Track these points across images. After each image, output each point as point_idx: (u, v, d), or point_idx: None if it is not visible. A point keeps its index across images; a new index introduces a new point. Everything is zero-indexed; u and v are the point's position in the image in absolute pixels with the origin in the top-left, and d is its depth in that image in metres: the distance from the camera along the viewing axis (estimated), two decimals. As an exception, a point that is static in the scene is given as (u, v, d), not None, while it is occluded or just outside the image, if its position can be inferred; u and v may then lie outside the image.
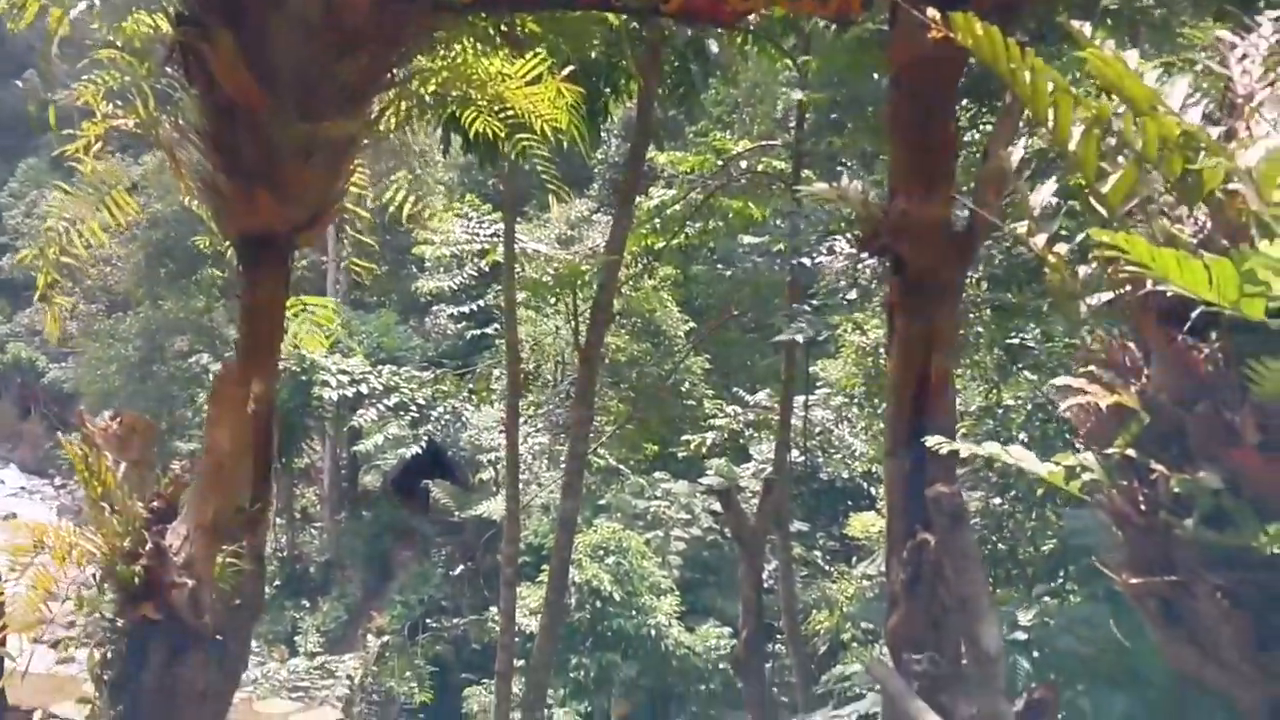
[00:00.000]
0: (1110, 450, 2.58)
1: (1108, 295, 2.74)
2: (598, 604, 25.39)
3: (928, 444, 3.20)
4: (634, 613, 25.78)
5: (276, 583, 34.80)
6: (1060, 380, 3.05)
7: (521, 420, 19.57)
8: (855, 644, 15.33)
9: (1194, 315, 2.41)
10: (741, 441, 23.57)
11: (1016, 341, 12.62)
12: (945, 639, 4.42)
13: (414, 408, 22.70)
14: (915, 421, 4.27)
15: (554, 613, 12.05)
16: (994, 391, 13.13)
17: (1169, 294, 2.30)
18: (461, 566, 29.60)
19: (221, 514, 3.97)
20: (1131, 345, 2.77)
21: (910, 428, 4.40)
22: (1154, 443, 2.55)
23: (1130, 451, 2.57)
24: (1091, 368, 2.76)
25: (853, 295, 11.14)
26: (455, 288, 24.00)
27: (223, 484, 4.02)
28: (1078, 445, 2.96)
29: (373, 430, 23.50)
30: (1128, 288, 2.64)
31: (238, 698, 6.28)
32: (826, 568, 19.31)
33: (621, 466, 26.67)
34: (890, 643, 4.65)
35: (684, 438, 24.71)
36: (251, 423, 4.24)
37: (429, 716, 26.76)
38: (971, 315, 11.47)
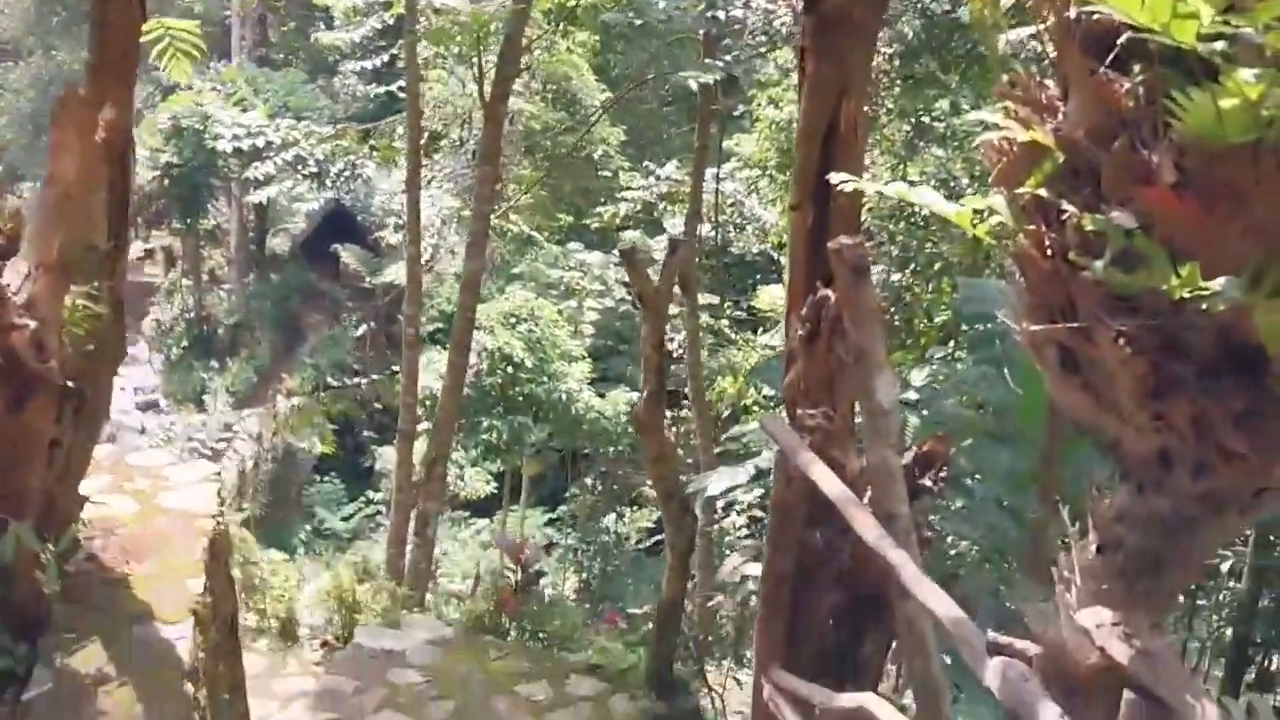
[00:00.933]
0: (1021, 190, 2.38)
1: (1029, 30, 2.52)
2: (509, 370, 25.64)
3: (833, 181, 2.99)
4: (545, 379, 26.11)
5: (184, 344, 34.73)
6: (973, 115, 2.83)
7: (427, 182, 18.96)
8: (756, 407, 15.68)
9: (1119, 44, 2.18)
10: (655, 215, 23.40)
11: (925, 117, 12.44)
12: (839, 395, 4.36)
13: (312, 161, 21.85)
14: (822, 171, 4.05)
15: (455, 374, 11.97)
16: (901, 166, 13.02)
17: (1095, 18, 2.09)
18: (369, 329, 29.51)
19: (69, 251, 3.64)
20: (1049, 83, 2.54)
21: (817, 179, 4.20)
22: (1066, 182, 2.35)
23: (1042, 192, 2.37)
24: (1007, 104, 2.52)
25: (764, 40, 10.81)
26: (359, 41, 22.78)
27: (69, 218, 3.67)
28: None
29: (270, 183, 22.65)
30: (1049, 15, 2.39)
31: (109, 452, 6.08)
32: (733, 337, 19.59)
33: (535, 234, 26.34)
34: (787, 398, 4.57)
35: (597, 209, 24.40)
36: (103, 153, 3.87)
37: (337, 472, 27.14)
38: (882, 90, 11.24)
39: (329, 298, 35.30)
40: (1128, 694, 2.19)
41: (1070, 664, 2.21)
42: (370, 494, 26.41)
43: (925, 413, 6.62)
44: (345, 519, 27.01)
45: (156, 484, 5.63)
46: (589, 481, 29.08)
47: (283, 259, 36.44)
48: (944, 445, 3.97)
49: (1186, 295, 2.01)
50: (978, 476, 6.24)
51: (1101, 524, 2.32)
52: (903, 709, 3.64)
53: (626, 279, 24.08)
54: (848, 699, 3.58)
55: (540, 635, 8.49)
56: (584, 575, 26.64)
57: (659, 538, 26.33)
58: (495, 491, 27.06)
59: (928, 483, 3.93)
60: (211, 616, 4.68)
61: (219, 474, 5.87)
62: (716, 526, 11.75)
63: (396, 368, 17.83)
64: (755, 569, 6.94)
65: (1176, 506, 2.20)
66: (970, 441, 7.03)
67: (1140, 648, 2.06)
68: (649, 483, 12.20)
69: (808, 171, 4.36)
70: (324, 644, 8.69)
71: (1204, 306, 1.95)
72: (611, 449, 26.35)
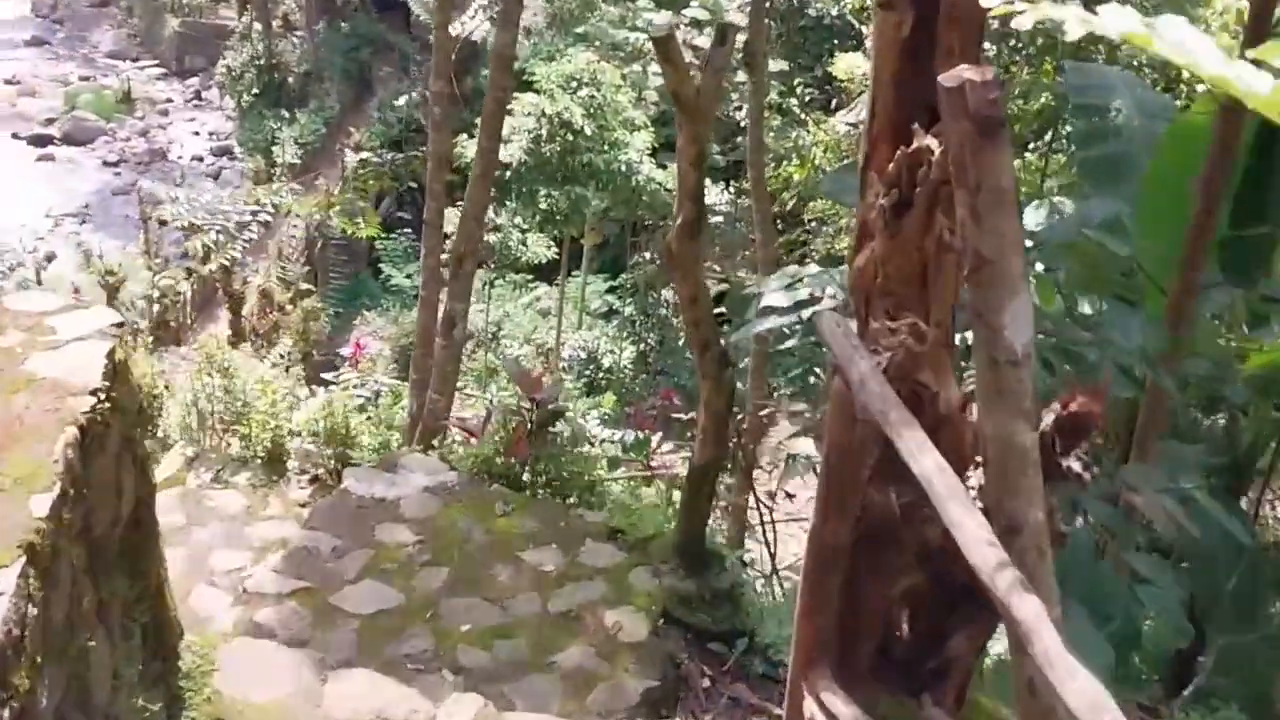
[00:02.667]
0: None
1: None
2: (568, 137, 24.08)
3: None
4: (606, 147, 24.57)
5: (255, 91, 33.66)
6: None
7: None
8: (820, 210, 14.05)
9: None
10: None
11: None
12: (935, 296, 2.87)
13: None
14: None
15: (485, 161, 10.52)
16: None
17: None
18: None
19: None
20: None
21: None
22: None
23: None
24: None
25: None
26: None
27: None
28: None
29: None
30: None
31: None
32: (803, 116, 17.66)
33: (601, -10, 24.32)
34: (856, 291, 3.09)
35: (666, -39, 22.15)
36: None
37: (410, 227, 26.50)
38: None
39: (398, 51, 33.95)
40: None
41: None
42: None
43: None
44: (408, 276, 26.75)
45: (32, 339, 4.37)
46: (648, 255, 28.00)
47: (352, 7, 35.18)
48: (1098, 401, 2.50)
49: None
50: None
51: None
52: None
53: (697, 41, 22.01)
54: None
55: (556, 485, 7.35)
56: (641, 347, 25.89)
57: (720, 311, 25.20)
58: (556, 257, 26.19)
59: (1075, 465, 2.49)
60: (55, 553, 3.49)
61: (121, 325, 4.57)
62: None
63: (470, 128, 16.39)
64: (808, 446, 5.64)
65: None
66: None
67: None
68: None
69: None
70: (313, 480, 7.67)
71: None
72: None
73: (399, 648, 5.88)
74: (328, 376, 17.80)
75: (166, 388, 8.12)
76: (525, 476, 7.38)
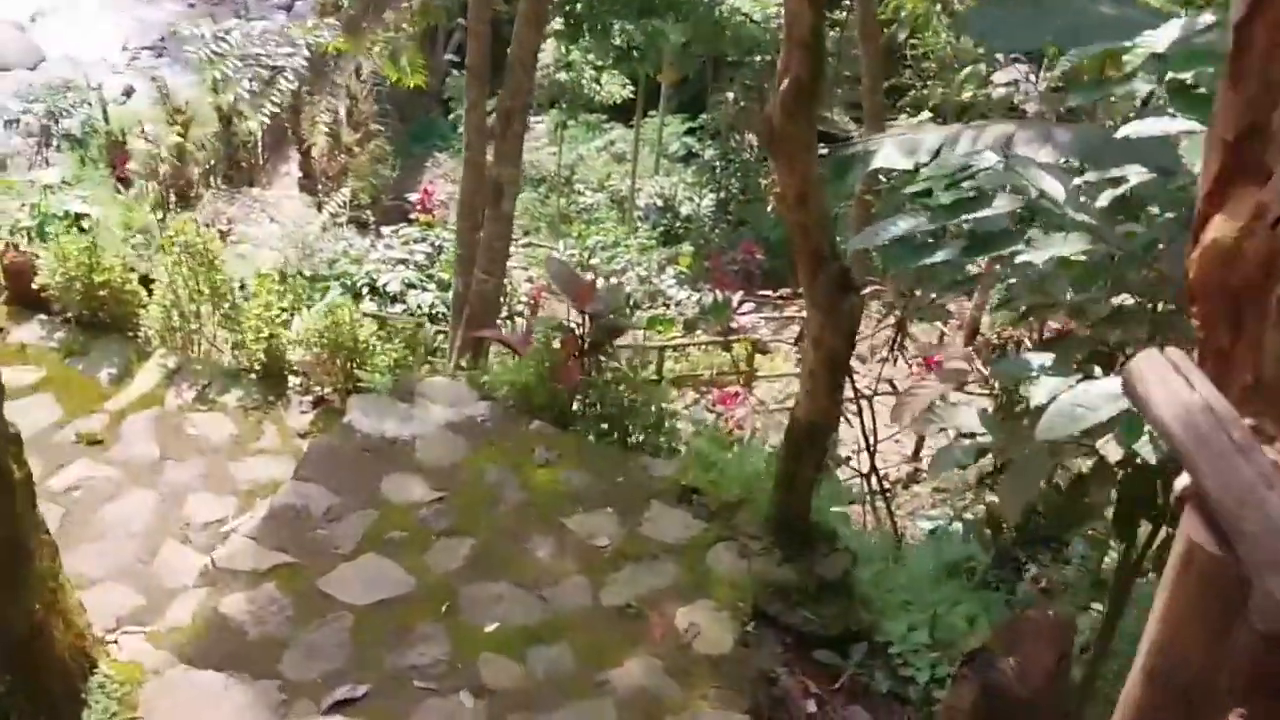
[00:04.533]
0: None
1: None
2: (645, -42, 21.81)
3: None
4: (683, -32, 22.34)
5: None
6: None
7: None
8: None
9: None
10: None
11: None
12: None
13: None
14: None
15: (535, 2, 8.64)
16: None
17: None
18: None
19: None
20: None
21: None
22: None
23: None
24: None
25: None
26: None
27: None
28: None
29: None
30: None
31: None
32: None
33: None
34: (1199, 281, 1.33)
35: None
36: None
37: None
38: None
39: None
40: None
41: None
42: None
43: None
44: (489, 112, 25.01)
45: None
46: (731, 96, 25.87)
47: None
48: None
49: None
50: None
51: None
52: None
53: None
54: None
55: (612, 420, 5.78)
56: (721, 194, 24.00)
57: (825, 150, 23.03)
58: (632, 97, 24.35)
59: None
60: None
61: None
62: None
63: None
64: (970, 419, 3.96)
65: None
66: None
67: None
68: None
69: None
70: (318, 402, 6.20)
71: None
72: (759, 58, 23.16)
73: (404, 655, 4.47)
74: (386, 231, 16.55)
75: (145, 282, 6.62)
76: (574, 407, 5.82)
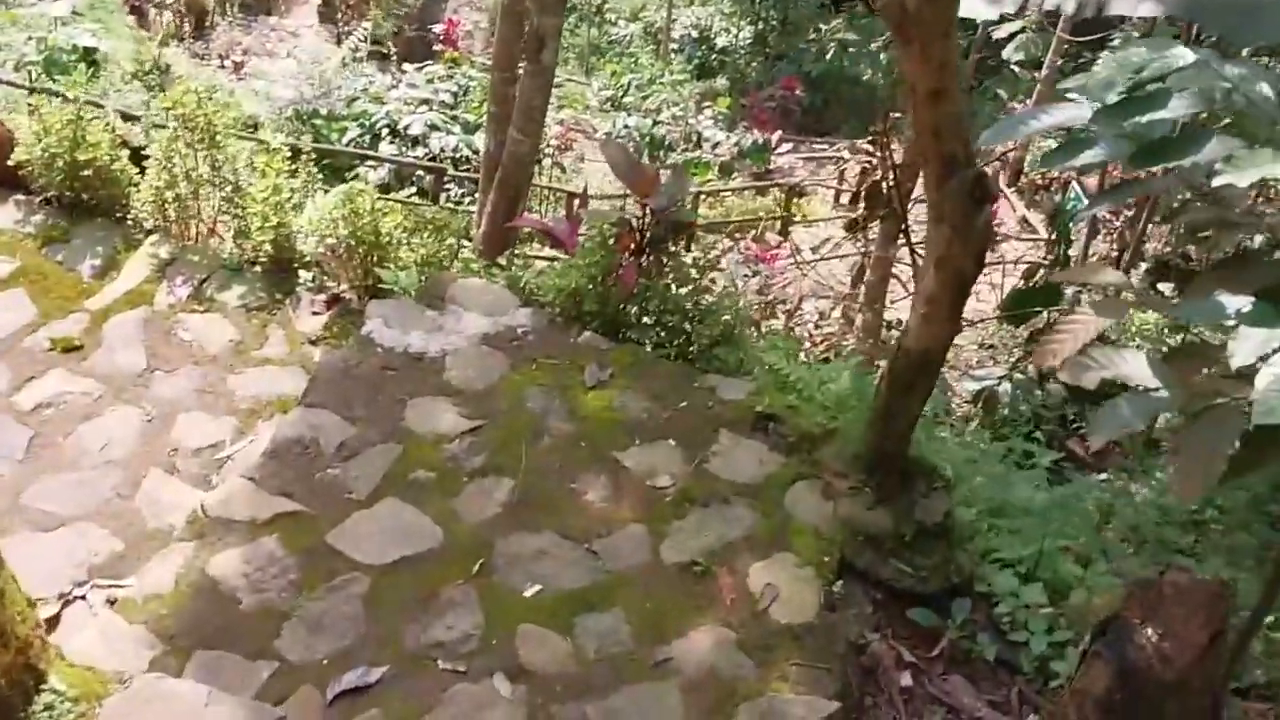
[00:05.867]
0: None
1: None
2: None
3: None
4: None
5: None
6: None
7: None
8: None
9: None
10: None
11: None
12: None
13: None
14: None
15: None
16: None
17: None
18: None
19: None
20: None
21: None
22: None
23: None
24: None
25: None
26: None
27: None
28: None
29: None
30: None
31: None
32: None
33: None
34: None
35: None
36: None
37: None
38: None
39: None
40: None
41: None
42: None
43: None
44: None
45: None
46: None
47: None
48: None
49: None
50: None
51: None
52: None
53: None
54: None
55: (673, 331, 4.91)
56: (759, 26, 22.48)
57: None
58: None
59: None
60: None
61: None
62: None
63: None
64: (1139, 369, 3.05)
65: None
66: None
67: None
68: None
69: None
70: (331, 302, 5.37)
71: None
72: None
73: (427, 629, 3.73)
74: (409, 69, 15.43)
75: (135, 152, 5.73)
76: (630, 313, 4.94)
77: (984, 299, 12.41)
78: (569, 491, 4.24)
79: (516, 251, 5.92)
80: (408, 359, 4.74)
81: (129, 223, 5.68)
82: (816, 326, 8.97)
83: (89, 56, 12.83)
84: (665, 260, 4.88)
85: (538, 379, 4.68)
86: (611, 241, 4.84)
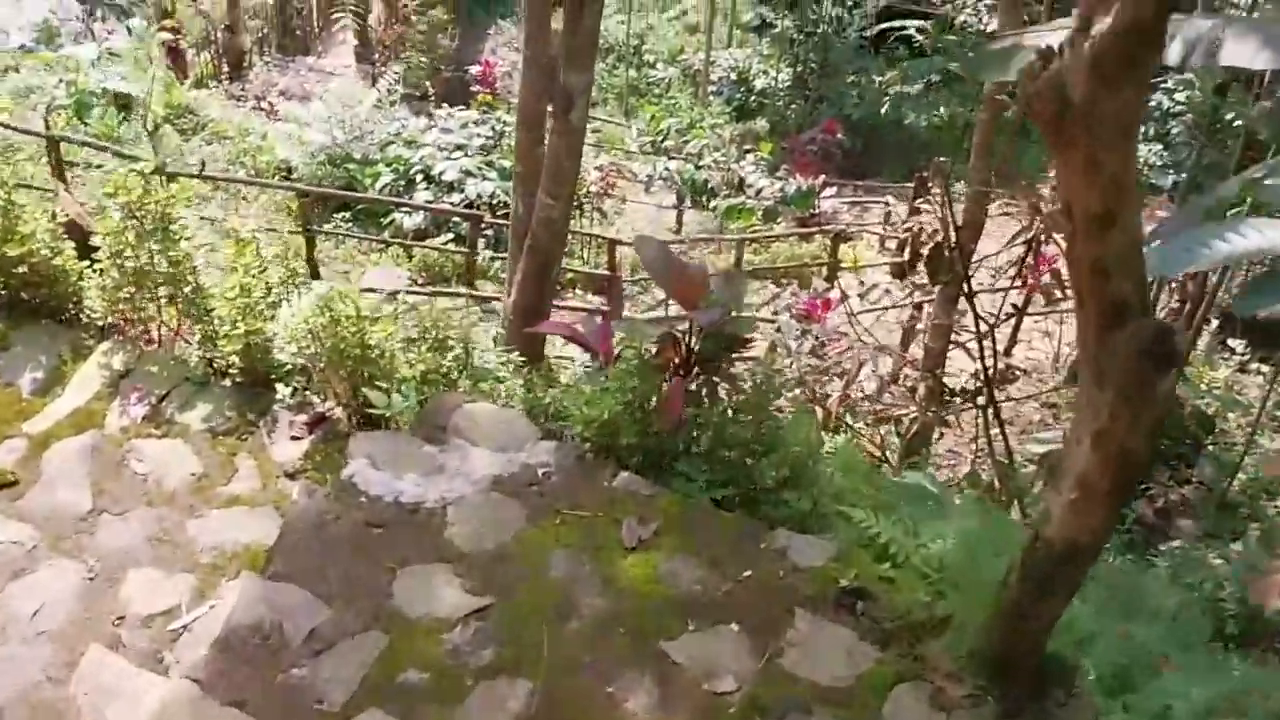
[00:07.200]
0: None
1: None
2: None
3: None
4: None
5: None
6: None
7: None
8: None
9: None
10: None
11: None
12: None
13: None
14: None
15: None
16: None
17: None
18: None
19: None
20: None
21: None
22: None
23: None
24: None
25: None
26: None
27: None
28: None
29: None
30: None
31: None
32: None
33: None
34: None
35: None
36: None
37: None
38: None
39: None
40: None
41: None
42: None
43: None
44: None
45: None
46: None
47: None
48: None
49: None
50: None
51: None
52: None
53: None
54: None
55: (731, 467, 3.95)
56: (799, 68, 21.99)
57: (887, 27, 20.85)
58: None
59: None
60: None
61: None
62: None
63: None
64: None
65: None
66: None
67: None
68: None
69: None
70: (315, 422, 4.44)
71: None
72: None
73: None
74: (442, 113, 14.78)
75: (86, 250, 4.82)
76: (679, 446, 3.99)
77: (1036, 346, 11.49)
78: (605, 699, 3.28)
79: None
80: (399, 512, 3.80)
81: (81, 323, 4.79)
82: (876, 399, 8.09)
83: (120, 100, 12.24)
84: (718, 381, 3.94)
85: (563, 537, 3.73)
86: (653, 358, 3.90)
